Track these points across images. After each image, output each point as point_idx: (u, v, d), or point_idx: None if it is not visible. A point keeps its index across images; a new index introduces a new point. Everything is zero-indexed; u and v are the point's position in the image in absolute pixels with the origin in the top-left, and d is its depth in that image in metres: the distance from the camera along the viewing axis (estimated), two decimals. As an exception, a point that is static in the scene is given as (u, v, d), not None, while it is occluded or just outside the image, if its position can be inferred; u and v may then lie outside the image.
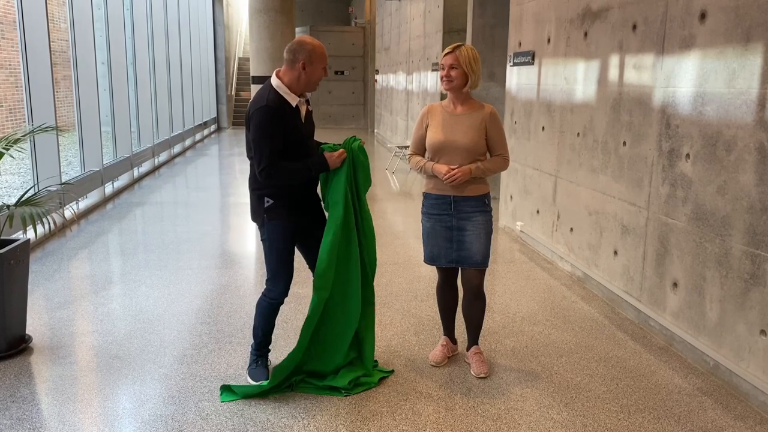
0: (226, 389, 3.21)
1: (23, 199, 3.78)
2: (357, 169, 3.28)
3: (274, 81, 3.12)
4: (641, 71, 4.16)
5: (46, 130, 4.26)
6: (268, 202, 3.16)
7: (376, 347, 3.62)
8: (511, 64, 6.52)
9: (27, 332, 3.78)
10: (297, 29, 8.68)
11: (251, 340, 3.42)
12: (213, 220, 7.24)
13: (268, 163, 3.03)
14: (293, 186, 3.18)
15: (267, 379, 3.26)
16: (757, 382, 3.14)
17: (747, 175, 3.21)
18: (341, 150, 3.20)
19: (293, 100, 3.10)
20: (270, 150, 3.03)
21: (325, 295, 3.23)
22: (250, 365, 3.39)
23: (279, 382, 3.21)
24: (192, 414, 3.01)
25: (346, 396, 3.19)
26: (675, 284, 3.80)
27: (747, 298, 3.23)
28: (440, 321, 3.71)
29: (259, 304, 3.32)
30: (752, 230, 3.18)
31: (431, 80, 10.30)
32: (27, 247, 3.75)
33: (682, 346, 3.73)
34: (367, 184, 3.33)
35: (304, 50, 3.10)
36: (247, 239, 6.49)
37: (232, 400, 3.14)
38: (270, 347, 3.45)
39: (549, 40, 5.57)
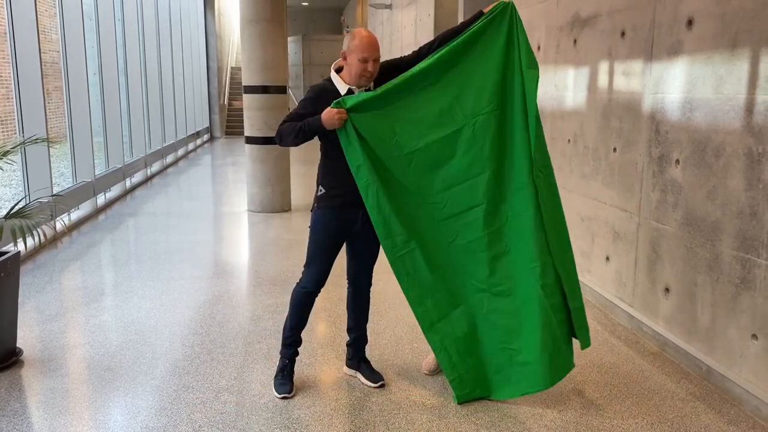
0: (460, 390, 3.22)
1: (13, 211, 3.76)
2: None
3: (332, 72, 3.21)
4: (630, 78, 4.18)
5: (37, 142, 4.24)
6: (320, 191, 3.18)
7: (371, 355, 3.60)
8: (502, 71, 6.53)
9: (18, 345, 3.76)
10: (289, 38, 8.69)
11: (245, 350, 3.40)
12: (206, 230, 7.22)
13: (281, 123, 3.13)
14: (344, 177, 3.10)
15: (290, 392, 3.23)
16: (749, 387, 3.15)
17: (736, 180, 3.23)
18: (341, 110, 2.99)
19: (342, 87, 3.11)
20: (291, 115, 3.12)
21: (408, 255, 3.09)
22: (276, 375, 3.34)
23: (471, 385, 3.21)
24: (184, 426, 2.99)
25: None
26: (667, 289, 3.81)
27: (738, 302, 3.24)
28: (433, 329, 3.70)
29: (292, 294, 3.28)
30: (742, 235, 3.20)
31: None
32: (17, 259, 3.73)
33: (675, 351, 3.73)
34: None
35: (346, 41, 3.09)
36: (240, 249, 6.48)
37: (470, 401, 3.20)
38: (299, 349, 3.38)
39: (539, 48, 5.60)
